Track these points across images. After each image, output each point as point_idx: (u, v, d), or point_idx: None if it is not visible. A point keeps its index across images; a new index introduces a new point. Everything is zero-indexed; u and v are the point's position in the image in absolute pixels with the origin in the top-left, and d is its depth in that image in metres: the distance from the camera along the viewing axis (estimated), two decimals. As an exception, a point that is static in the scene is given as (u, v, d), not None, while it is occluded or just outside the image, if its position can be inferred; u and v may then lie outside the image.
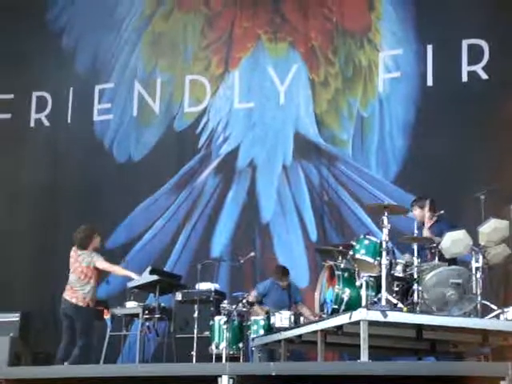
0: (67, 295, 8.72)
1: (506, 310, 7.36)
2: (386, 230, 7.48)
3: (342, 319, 7.26)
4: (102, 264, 8.74)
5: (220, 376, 5.65)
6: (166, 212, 11.82)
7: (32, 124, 12.67)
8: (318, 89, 11.48)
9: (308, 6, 11.71)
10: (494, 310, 7.39)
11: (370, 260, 7.54)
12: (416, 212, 8.37)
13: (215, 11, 12.23)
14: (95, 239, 8.93)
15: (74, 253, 8.87)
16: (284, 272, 9.75)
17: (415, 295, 7.41)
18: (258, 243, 11.20)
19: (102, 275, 8.94)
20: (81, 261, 8.78)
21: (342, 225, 10.92)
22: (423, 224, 8.30)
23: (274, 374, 5.66)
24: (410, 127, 10.87)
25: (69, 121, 12.45)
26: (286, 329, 8.49)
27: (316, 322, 7.88)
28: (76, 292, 8.69)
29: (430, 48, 10.81)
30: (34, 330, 10.76)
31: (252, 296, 9.55)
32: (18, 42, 12.43)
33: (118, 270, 8.98)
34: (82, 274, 8.75)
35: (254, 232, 11.31)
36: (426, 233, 8.14)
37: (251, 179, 11.52)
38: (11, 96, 12.59)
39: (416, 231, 7.86)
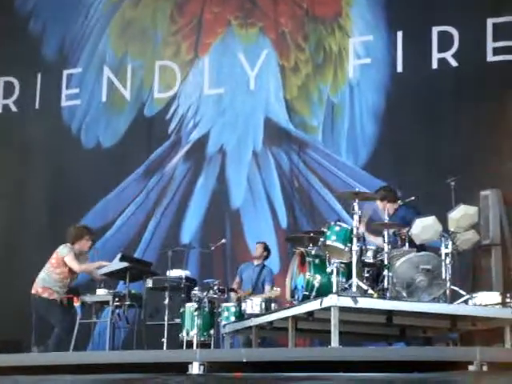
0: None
1: (474, 295, 7.45)
2: (356, 217, 7.49)
3: (313, 305, 7.27)
4: (69, 261, 8.62)
5: (191, 363, 5.64)
6: (136, 198, 11.77)
7: (0, 110, 12.56)
8: (288, 75, 11.46)
9: (278, -9, 11.68)
10: (463, 296, 7.45)
11: (341, 246, 7.54)
12: (378, 204, 8.33)
13: (184, -4, 12.17)
14: (84, 241, 8.83)
15: None
16: (264, 246, 9.84)
17: (385, 281, 7.44)
18: (228, 230, 11.19)
19: (71, 274, 8.83)
20: (56, 250, 8.76)
21: (313, 211, 10.93)
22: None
23: (244, 360, 5.66)
24: (380, 113, 10.88)
25: (37, 106, 12.35)
26: (257, 315, 8.49)
27: (287, 308, 7.89)
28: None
29: (400, 34, 10.81)
30: (1, 317, 10.66)
31: (236, 283, 9.68)
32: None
33: (86, 268, 8.88)
34: (50, 259, 8.72)
35: (224, 219, 11.29)
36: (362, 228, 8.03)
37: (221, 165, 11.49)
38: (-23, 81, 12.50)
39: (386, 217, 7.87)
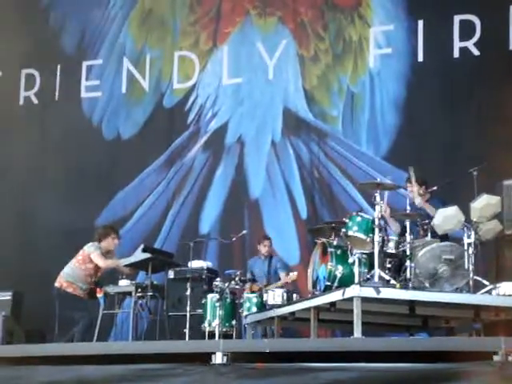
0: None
1: (497, 285, 7.39)
2: (378, 207, 7.47)
3: (335, 296, 7.27)
4: (95, 257, 8.75)
5: (214, 353, 5.65)
6: (156, 189, 11.78)
7: (21, 102, 12.60)
8: (308, 64, 11.42)
9: (297, -19, 11.63)
10: (486, 286, 7.41)
11: (363, 237, 7.52)
12: (414, 189, 8.31)
13: (203, -14, 12.14)
14: (110, 239, 8.93)
15: None
16: (263, 237, 9.89)
17: (408, 271, 7.42)
18: (246, 220, 11.18)
19: (95, 271, 8.91)
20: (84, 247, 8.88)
21: (333, 202, 10.90)
22: None
23: (267, 350, 5.66)
24: (400, 103, 10.83)
25: (56, 98, 12.37)
26: (279, 306, 8.50)
27: (309, 298, 7.89)
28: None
29: (420, 23, 10.75)
30: (26, 308, 10.74)
31: (247, 278, 9.66)
32: (4, 20, 12.29)
33: (111, 265, 8.98)
34: (76, 256, 8.82)
35: (243, 209, 11.28)
36: (418, 202, 8.07)
37: (240, 156, 11.48)
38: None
39: (408, 207, 7.85)
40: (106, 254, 8.98)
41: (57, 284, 8.77)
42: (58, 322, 8.62)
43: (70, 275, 8.76)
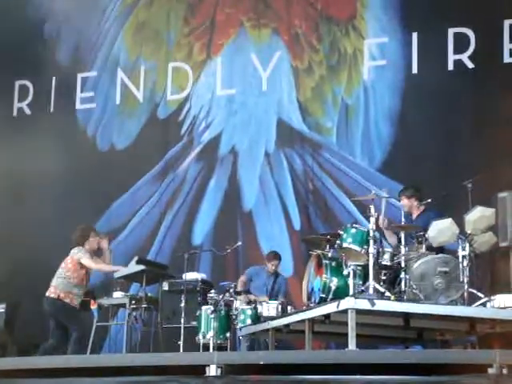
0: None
1: (492, 298, 7.39)
2: (372, 219, 7.49)
3: (330, 308, 7.26)
4: (86, 261, 8.61)
5: (208, 365, 5.65)
6: (150, 200, 11.77)
7: (15, 113, 12.60)
8: (302, 76, 11.44)
9: (292, -7, 11.67)
10: (481, 298, 7.42)
11: (358, 249, 7.53)
12: (404, 202, 8.37)
13: (197, -3, 12.17)
14: (91, 239, 8.81)
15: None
16: (274, 256, 9.81)
17: (402, 284, 7.44)
18: (239, 231, 11.17)
19: (87, 275, 8.83)
20: (70, 254, 8.75)
21: (328, 213, 10.90)
22: (411, 214, 8.33)
23: (262, 362, 5.66)
24: (395, 115, 10.85)
25: (52, 110, 12.37)
26: (273, 318, 8.49)
27: (303, 310, 7.88)
28: (51, 285, 8.68)
29: (415, 36, 10.78)
30: (20, 321, 10.70)
31: (241, 281, 9.61)
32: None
33: (103, 268, 8.89)
34: (64, 263, 8.71)
35: (236, 220, 11.27)
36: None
37: (233, 166, 11.47)
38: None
39: (403, 220, 7.86)
40: (93, 254, 8.87)
41: (53, 295, 8.62)
42: (52, 333, 8.56)
43: (66, 285, 8.65)
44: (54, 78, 12.39)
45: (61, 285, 8.63)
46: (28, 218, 11.68)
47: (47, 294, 8.64)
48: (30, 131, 12.29)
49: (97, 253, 8.92)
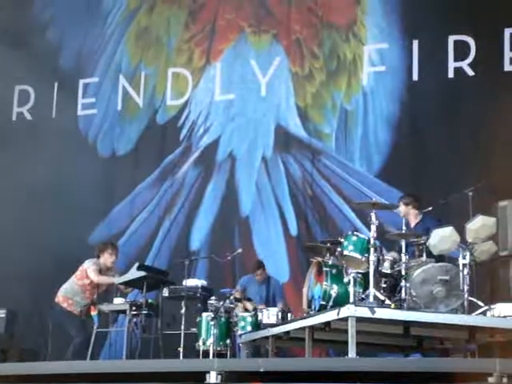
0: None
1: (492, 306, 7.41)
2: (373, 227, 7.49)
3: (330, 315, 7.28)
4: (91, 273, 8.80)
5: (208, 372, 5.65)
6: (148, 206, 11.76)
7: (14, 118, 12.59)
8: (302, 82, 11.44)
9: (293, -1, 11.69)
10: (481, 307, 7.43)
11: (358, 256, 7.54)
12: (401, 208, 8.38)
13: (199, 3, 12.18)
14: (107, 255, 8.95)
15: None
16: (257, 265, 9.80)
17: (403, 292, 7.43)
18: (237, 237, 11.16)
19: (91, 287, 8.91)
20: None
21: (326, 220, 10.90)
22: (408, 220, 8.33)
23: (262, 370, 5.66)
24: (394, 121, 10.87)
25: (53, 115, 12.36)
26: (273, 325, 8.49)
27: (304, 318, 7.88)
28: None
29: (415, 43, 10.80)
30: (20, 326, 10.69)
31: (236, 292, 9.59)
32: (0, 36, 12.28)
33: (104, 280, 8.98)
34: (78, 270, 8.83)
35: (234, 225, 11.26)
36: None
37: (231, 171, 11.47)
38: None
39: (404, 227, 7.86)
40: (106, 270, 9.03)
41: (56, 299, 8.82)
42: (52, 339, 8.60)
43: (68, 290, 8.83)
44: (55, 83, 12.40)
45: (63, 289, 8.84)
46: (28, 224, 11.65)
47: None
48: (31, 136, 12.30)
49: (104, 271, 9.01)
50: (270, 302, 9.58)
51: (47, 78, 12.28)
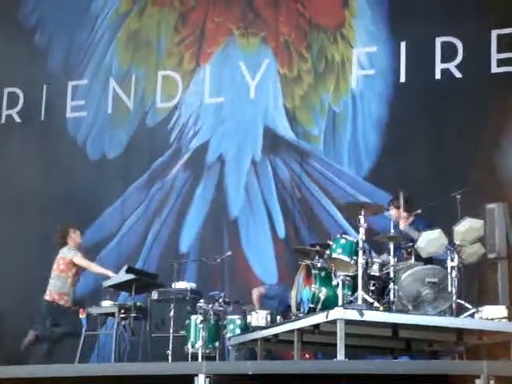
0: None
1: (480, 309, 7.44)
2: (362, 230, 7.52)
3: (319, 318, 7.29)
4: (78, 259, 8.75)
5: (197, 375, 5.66)
6: (138, 209, 11.75)
7: (3, 120, 12.56)
8: (290, 84, 11.45)
9: (281, 2, 11.69)
10: (469, 309, 7.46)
11: (347, 259, 7.57)
12: (392, 212, 8.41)
13: (188, 6, 12.17)
14: (73, 234, 8.94)
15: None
16: None
17: (391, 294, 7.48)
18: (226, 239, 11.16)
19: (77, 273, 8.90)
20: (59, 255, 8.81)
21: (314, 222, 10.90)
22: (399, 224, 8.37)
23: (250, 372, 5.67)
24: (382, 124, 10.87)
25: (42, 118, 12.34)
26: (262, 328, 8.48)
27: (293, 320, 7.90)
28: (47, 289, 8.75)
29: (403, 45, 10.82)
30: (8, 329, 10.67)
31: (259, 291, 9.57)
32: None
33: (94, 268, 8.98)
34: (55, 265, 8.77)
35: (223, 228, 11.26)
36: (402, 226, 8.18)
37: (220, 174, 11.47)
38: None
39: (392, 230, 7.88)
40: (79, 248, 9.03)
41: (48, 298, 8.74)
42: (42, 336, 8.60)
43: (60, 287, 8.76)
44: (44, 85, 12.38)
45: (56, 287, 8.76)
46: (17, 225, 11.64)
47: (44, 297, 8.79)
48: (20, 139, 12.29)
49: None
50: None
51: (36, 81, 12.30)
